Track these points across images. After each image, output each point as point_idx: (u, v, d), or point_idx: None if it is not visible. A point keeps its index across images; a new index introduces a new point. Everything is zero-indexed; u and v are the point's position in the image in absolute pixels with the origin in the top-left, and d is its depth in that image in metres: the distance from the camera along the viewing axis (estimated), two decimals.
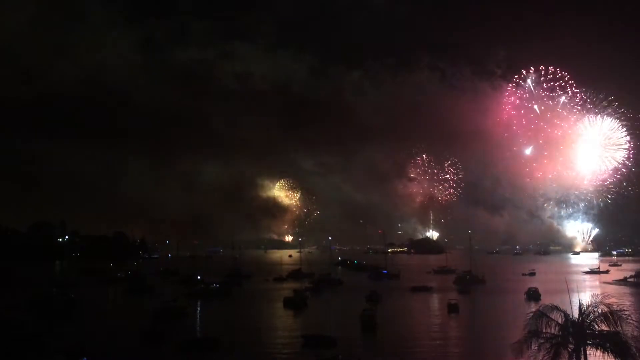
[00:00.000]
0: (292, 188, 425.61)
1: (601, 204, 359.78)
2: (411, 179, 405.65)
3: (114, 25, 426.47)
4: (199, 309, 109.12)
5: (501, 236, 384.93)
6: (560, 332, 35.57)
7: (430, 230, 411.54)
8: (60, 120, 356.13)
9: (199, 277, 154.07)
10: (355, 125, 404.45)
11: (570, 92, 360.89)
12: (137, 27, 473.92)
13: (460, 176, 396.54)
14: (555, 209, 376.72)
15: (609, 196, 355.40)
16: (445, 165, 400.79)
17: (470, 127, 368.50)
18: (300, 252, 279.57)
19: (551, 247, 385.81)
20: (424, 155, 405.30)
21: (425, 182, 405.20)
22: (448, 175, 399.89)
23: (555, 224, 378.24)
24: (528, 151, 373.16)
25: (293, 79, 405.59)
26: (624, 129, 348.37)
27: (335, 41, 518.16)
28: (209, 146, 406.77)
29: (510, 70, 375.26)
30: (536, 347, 35.43)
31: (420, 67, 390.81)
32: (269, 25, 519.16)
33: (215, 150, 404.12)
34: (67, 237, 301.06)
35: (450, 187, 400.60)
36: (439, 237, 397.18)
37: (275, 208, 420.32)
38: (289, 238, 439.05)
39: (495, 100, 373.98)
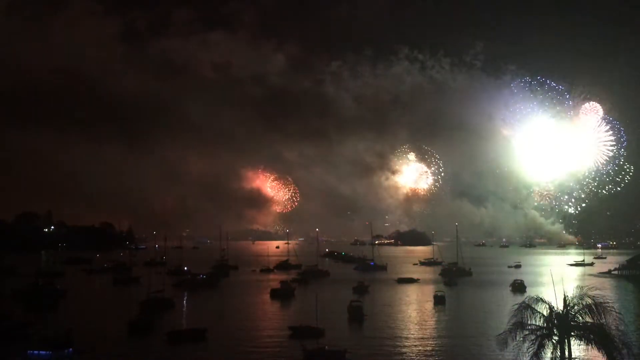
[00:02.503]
0: (276, 179, 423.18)
1: (585, 197, 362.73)
2: (394, 171, 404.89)
3: (93, 13, 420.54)
4: (185, 299, 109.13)
5: (485, 228, 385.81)
6: (545, 324, 35.98)
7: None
8: (40, 110, 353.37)
9: (185, 268, 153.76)
10: (337, 117, 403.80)
11: (550, 86, 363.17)
12: (117, 15, 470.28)
13: (443, 168, 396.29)
14: (539, 201, 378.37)
15: (593, 189, 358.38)
16: (428, 157, 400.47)
17: (452, 119, 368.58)
18: (287, 243, 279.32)
19: (536, 240, 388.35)
20: (404, 147, 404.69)
21: (408, 173, 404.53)
22: (431, 167, 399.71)
23: (538, 215, 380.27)
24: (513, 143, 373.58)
25: (274, 70, 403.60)
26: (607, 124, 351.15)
27: (315, 32, 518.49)
28: (190, 137, 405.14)
29: (488, 63, 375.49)
30: (521, 339, 35.83)
31: (400, 59, 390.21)
32: (250, 16, 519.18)
33: (197, 141, 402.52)
34: (53, 227, 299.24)
35: (434, 179, 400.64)
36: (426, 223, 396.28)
37: (259, 199, 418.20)
38: (275, 229, 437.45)
39: (476, 92, 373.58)
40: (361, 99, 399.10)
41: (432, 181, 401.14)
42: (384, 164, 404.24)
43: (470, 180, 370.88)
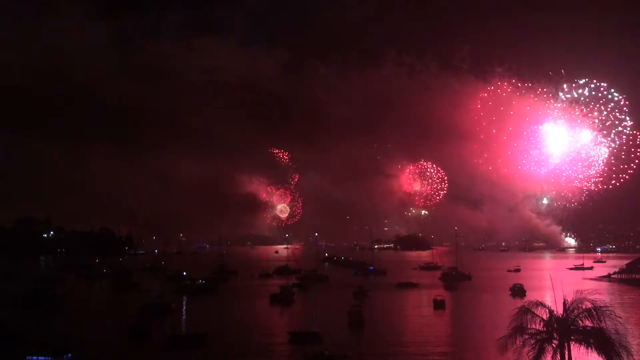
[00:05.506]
0: (272, 184, 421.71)
1: (582, 199, 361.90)
2: (388, 176, 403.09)
3: (85, 18, 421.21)
4: (185, 305, 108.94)
5: (482, 232, 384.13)
6: (545, 328, 36.00)
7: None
8: (38, 115, 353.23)
9: (184, 274, 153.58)
10: (328, 121, 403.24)
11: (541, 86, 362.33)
12: (108, 20, 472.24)
13: (437, 171, 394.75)
14: (535, 204, 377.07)
15: (593, 189, 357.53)
16: (420, 161, 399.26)
17: (441, 123, 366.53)
18: (286, 248, 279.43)
19: (534, 244, 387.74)
20: (396, 151, 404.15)
21: (402, 177, 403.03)
22: (425, 171, 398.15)
23: (534, 218, 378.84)
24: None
25: (264, 74, 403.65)
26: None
27: (305, 36, 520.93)
28: (184, 142, 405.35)
29: (476, 66, 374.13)
30: (521, 343, 35.82)
31: (387, 62, 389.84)
32: (241, 20, 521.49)
33: (190, 146, 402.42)
34: (52, 232, 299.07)
35: (428, 183, 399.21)
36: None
37: (255, 204, 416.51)
38: (274, 234, 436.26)
39: (464, 95, 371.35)
40: (351, 103, 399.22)
41: (426, 185, 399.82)
42: (377, 168, 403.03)
43: (465, 184, 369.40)
